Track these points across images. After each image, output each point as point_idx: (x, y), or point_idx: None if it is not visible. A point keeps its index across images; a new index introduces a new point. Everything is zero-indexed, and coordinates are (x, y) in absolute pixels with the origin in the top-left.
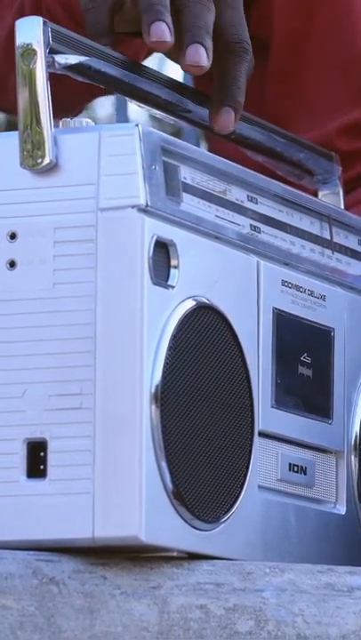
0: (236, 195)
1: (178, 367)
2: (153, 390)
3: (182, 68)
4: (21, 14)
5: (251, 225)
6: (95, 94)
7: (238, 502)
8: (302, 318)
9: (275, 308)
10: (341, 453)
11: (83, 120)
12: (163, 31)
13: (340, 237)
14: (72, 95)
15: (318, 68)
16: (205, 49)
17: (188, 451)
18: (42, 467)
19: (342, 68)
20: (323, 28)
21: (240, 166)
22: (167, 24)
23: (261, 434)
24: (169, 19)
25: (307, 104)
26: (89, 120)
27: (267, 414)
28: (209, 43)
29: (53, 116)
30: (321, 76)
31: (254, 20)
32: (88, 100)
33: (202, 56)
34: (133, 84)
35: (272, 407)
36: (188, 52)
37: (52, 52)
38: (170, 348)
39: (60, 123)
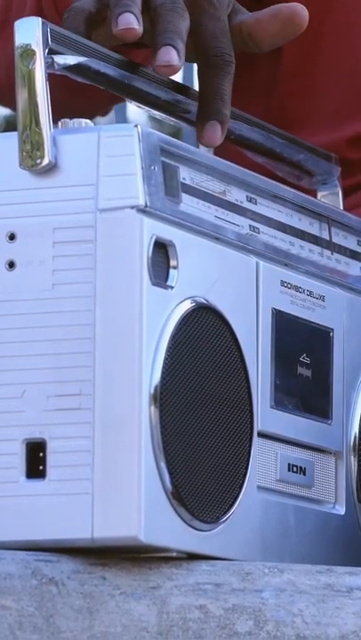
0: (236, 195)
1: (177, 368)
2: (152, 391)
3: (155, 70)
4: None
5: (250, 225)
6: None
7: (237, 503)
8: (301, 319)
9: (274, 309)
10: (341, 454)
11: (82, 121)
12: (130, 20)
13: (340, 238)
14: (93, 105)
15: (328, 69)
16: (177, 50)
17: (187, 451)
18: (41, 467)
19: (352, 72)
20: (335, 28)
21: (239, 167)
22: (135, 15)
23: (260, 434)
24: (137, 11)
25: (315, 105)
26: (88, 121)
27: (266, 415)
28: (180, 44)
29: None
30: (331, 78)
31: None
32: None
33: (172, 56)
34: (133, 85)
35: (271, 407)
36: (158, 54)
37: (51, 52)
38: (169, 348)
39: (60, 123)
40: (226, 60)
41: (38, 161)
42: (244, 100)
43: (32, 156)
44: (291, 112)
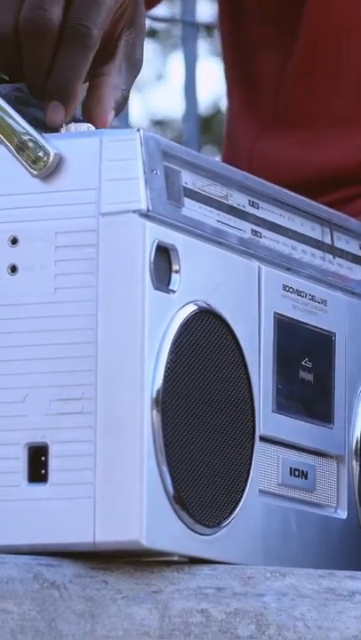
0: (238, 200)
1: (179, 372)
2: (154, 395)
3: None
4: None
5: (252, 230)
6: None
7: (239, 507)
8: (303, 323)
9: (276, 313)
10: (342, 458)
11: (84, 125)
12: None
13: (342, 242)
14: None
15: (332, 70)
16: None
17: (189, 455)
18: (43, 471)
19: (355, 75)
20: (333, 31)
21: (241, 171)
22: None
23: (262, 438)
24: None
25: (324, 104)
26: (90, 125)
27: (268, 419)
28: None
29: None
30: (336, 79)
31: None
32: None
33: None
34: None
35: (273, 412)
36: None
37: None
38: (171, 352)
39: (62, 128)
40: (79, 30)
41: (40, 164)
42: (254, 105)
43: (34, 161)
44: (299, 110)
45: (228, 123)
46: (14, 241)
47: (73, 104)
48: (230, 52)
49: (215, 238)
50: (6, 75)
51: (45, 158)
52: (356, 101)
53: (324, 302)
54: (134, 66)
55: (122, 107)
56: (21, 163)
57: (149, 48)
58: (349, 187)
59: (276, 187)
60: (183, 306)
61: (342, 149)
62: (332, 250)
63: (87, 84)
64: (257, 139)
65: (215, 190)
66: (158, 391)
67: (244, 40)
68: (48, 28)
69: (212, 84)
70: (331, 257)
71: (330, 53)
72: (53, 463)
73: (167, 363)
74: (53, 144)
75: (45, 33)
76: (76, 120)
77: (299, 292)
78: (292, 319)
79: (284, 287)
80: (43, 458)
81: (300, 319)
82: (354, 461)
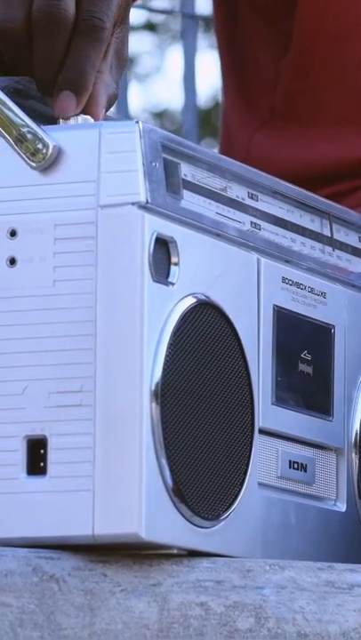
0: (237, 192)
1: (178, 364)
2: (153, 387)
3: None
4: None
5: (251, 222)
6: None
7: (238, 499)
8: (303, 315)
9: (275, 306)
10: (342, 450)
11: (79, 117)
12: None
13: (341, 235)
14: None
15: (330, 70)
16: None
17: (188, 448)
18: (42, 464)
19: (350, 77)
20: (344, 27)
21: (240, 164)
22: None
23: (262, 431)
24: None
25: (321, 104)
26: (88, 117)
27: (267, 411)
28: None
29: None
30: (332, 80)
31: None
32: None
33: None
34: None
35: (272, 404)
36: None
37: None
38: (170, 345)
39: (60, 120)
40: (94, 24)
41: (39, 157)
42: (250, 100)
43: (33, 153)
44: (297, 109)
45: (224, 117)
46: (13, 233)
47: (85, 96)
48: (225, 47)
49: (214, 230)
50: (11, 68)
51: (44, 150)
52: (354, 102)
53: (323, 295)
54: (122, 63)
55: (112, 103)
56: (20, 155)
57: (149, 40)
58: (348, 180)
59: (276, 179)
60: (182, 298)
61: (342, 148)
62: (331, 242)
63: None
64: (254, 134)
65: (214, 182)
66: (157, 384)
67: (238, 36)
68: (63, 20)
69: (212, 77)
70: (330, 249)
71: (328, 55)
72: (52, 456)
73: (166, 355)
74: (52, 136)
75: (60, 24)
76: None
77: (298, 285)
78: (292, 312)
79: (284, 279)
80: (42, 450)
81: (300, 312)
82: (353, 454)
